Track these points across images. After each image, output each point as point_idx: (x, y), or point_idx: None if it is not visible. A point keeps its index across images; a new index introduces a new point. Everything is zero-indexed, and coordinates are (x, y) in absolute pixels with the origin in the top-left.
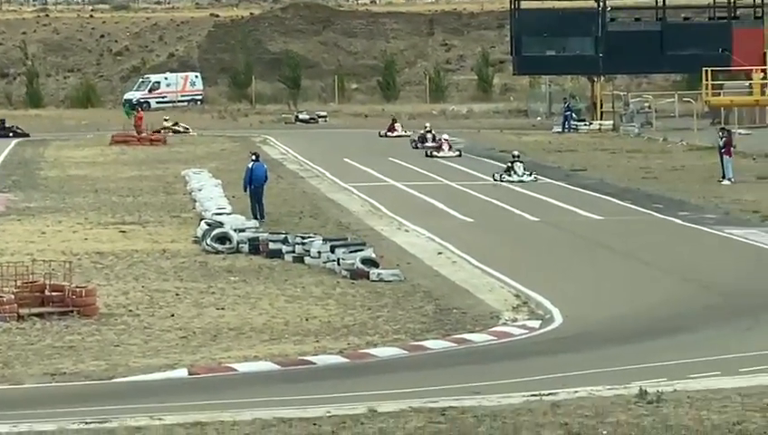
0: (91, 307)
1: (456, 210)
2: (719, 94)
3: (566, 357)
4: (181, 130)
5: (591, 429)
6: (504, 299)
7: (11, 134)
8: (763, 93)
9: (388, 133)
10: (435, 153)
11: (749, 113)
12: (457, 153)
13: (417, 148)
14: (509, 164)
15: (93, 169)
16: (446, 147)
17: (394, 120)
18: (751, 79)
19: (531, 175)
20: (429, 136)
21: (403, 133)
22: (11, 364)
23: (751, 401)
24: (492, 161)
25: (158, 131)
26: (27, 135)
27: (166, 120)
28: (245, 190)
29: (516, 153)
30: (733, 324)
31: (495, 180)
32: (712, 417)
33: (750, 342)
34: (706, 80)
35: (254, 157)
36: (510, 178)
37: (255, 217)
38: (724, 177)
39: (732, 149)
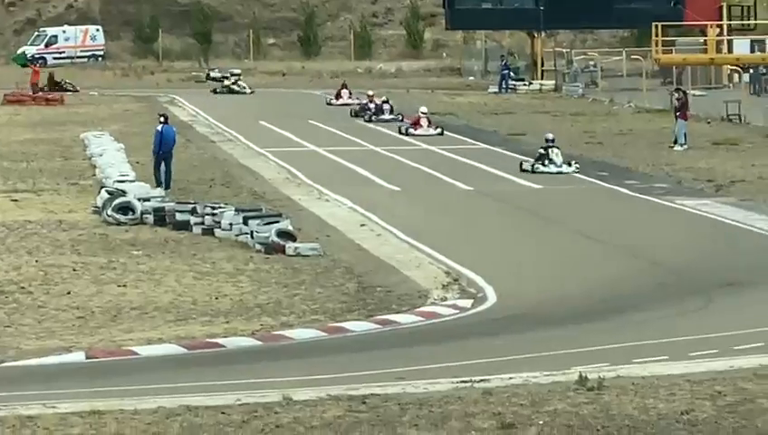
0: None
1: (381, 178)
2: (671, 52)
3: (500, 340)
4: (70, 89)
5: (526, 418)
6: (433, 276)
7: None
8: (718, 51)
9: (333, 101)
10: (412, 131)
11: (703, 73)
12: (439, 131)
13: (356, 117)
14: (542, 150)
15: None
16: (424, 123)
17: (344, 85)
18: (705, 35)
19: (571, 165)
20: (372, 106)
21: (350, 101)
22: None
23: (701, 388)
24: None
25: (42, 89)
26: None
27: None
28: (155, 155)
29: (551, 136)
30: (683, 305)
31: (524, 170)
32: (658, 405)
33: (701, 323)
34: (657, 36)
35: (162, 119)
36: (545, 169)
37: (159, 185)
38: (676, 142)
39: (687, 112)
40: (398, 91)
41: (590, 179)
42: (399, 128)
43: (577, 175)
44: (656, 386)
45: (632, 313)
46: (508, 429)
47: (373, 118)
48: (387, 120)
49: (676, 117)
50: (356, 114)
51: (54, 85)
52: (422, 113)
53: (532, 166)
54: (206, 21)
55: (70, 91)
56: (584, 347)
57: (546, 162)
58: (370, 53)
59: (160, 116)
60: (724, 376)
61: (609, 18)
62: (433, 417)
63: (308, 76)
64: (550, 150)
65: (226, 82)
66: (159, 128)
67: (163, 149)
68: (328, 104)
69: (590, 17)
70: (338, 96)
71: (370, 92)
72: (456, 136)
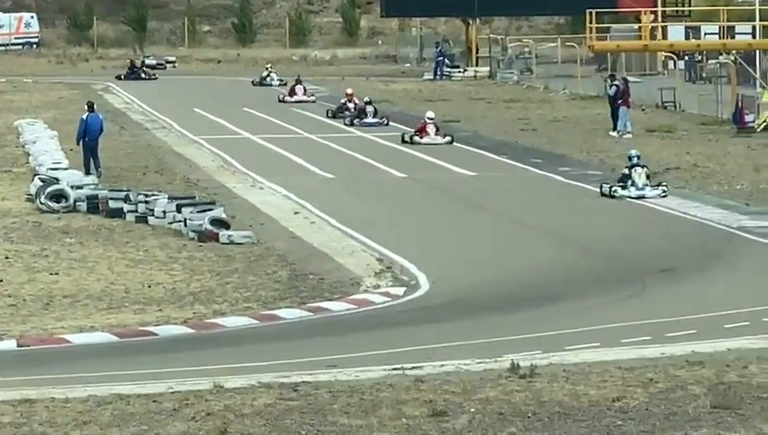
0: None
1: (315, 165)
2: (605, 39)
3: (432, 327)
4: None
5: (458, 406)
6: (365, 264)
7: None
8: (653, 38)
9: (287, 98)
10: (418, 139)
11: (638, 60)
12: (448, 139)
13: (333, 118)
14: (626, 171)
15: None
16: (431, 129)
17: (298, 81)
18: (640, 22)
19: (658, 187)
20: (352, 106)
21: (306, 98)
22: None
23: (632, 375)
24: None
25: None
26: None
27: None
28: (78, 143)
29: (635, 153)
30: (616, 292)
31: (604, 194)
32: (589, 392)
33: (633, 310)
34: (591, 23)
35: (87, 107)
36: (626, 193)
37: (88, 173)
38: (614, 129)
39: (629, 99)
40: (333, 79)
41: (524, 166)
42: (403, 135)
43: (508, 161)
44: (587, 373)
45: (565, 300)
46: (439, 416)
47: (355, 121)
48: (371, 124)
49: (617, 104)
50: (333, 115)
51: None
52: (428, 119)
53: (612, 189)
54: (141, 8)
55: None
56: (517, 334)
57: (628, 184)
58: (306, 41)
59: (87, 103)
60: (655, 363)
61: (544, 5)
62: (364, 404)
63: (243, 64)
64: (634, 170)
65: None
66: (84, 116)
67: (89, 137)
68: (281, 101)
69: (525, 4)
70: (292, 93)
71: (349, 90)
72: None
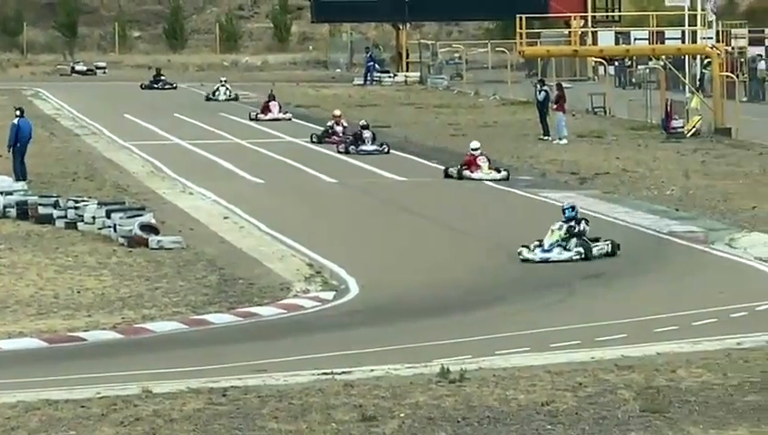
0: None
1: (245, 171)
2: (535, 44)
3: (362, 332)
4: None
5: (387, 411)
6: (295, 268)
7: None
8: (582, 43)
9: (261, 115)
10: (468, 174)
11: (568, 65)
12: (504, 175)
13: (319, 143)
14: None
15: None
16: (482, 162)
17: (272, 96)
18: (570, 27)
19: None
20: (340, 129)
21: (282, 116)
22: None
23: (561, 379)
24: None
25: None
26: None
27: None
28: (9, 150)
29: (568, 205)
30: (546, 296)
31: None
32: (519, 397)
33: (562, 315)
34: (521, 28)
35: (18, 112)
36: (529, 256)
37: (18, 179)
38: (544, 134)
39: (564, 104)
40: (264, 84)
41: None
42: (446, 170)
43: (439, 166)
44: (517, 378)
45: (495, 304)
46: (369, 421)
47: (351, 149)
48: (370, 152)
49: (547, 110)
50: (319, 140)
51: None
52: (473, 150)
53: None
54: (72, 14)
55: None
56: (446, 339)
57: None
58: (237, 46)
59: (16, 109)
60: (585, 367)
61: (474, 10)
62: (293, 409)
63: (174, 69)
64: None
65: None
66: (15, 121)
67: (20, 142)
68: (253, 119)
69: (455, 9)
70: (265, 110)
71: (337, 112)
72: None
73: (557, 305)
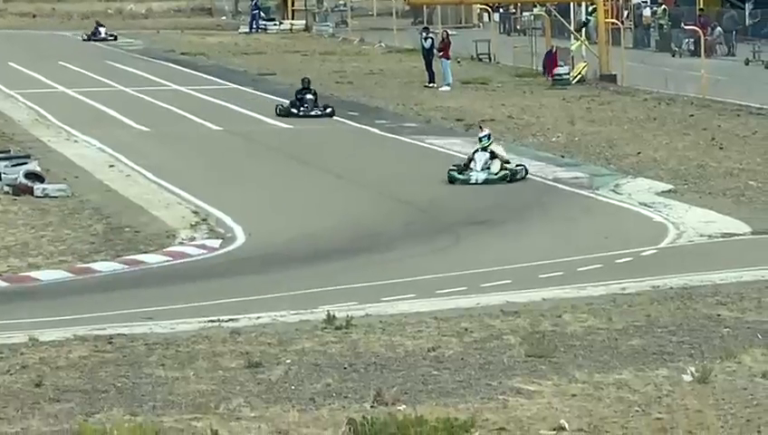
0: None
1: (131, 119)
2: None
3: (248, 279)
4: None
5: (274, 357)
6: (181, 216)
7: None
8: None
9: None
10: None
11: (454, 12)
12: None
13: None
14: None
15: None
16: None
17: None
18: None
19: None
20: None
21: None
22: None
23: (447, 325)
24: (172, 65)
25: None
26: None
27: None
28: None
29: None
30: (432, 243)
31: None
32: (405, 343)
33: (448, 261)
34: None
35: None
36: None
37: None
38: (430, 81)
39: (449, 51)
40: (148, 32)
41: (341, 119)
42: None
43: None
44: (403, 324)
45: (381, 251)
46: (255, 367)
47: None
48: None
49: (433, 57)
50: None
51: None
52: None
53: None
54: None
55: None
56: (333, 286)
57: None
58: None
59: None
60: (471, 313)
61: None
62: (180, 356)
63: (58, 18)
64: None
65: None
66: None
67: None
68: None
69: None
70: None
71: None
72: (205, 76)
73: (443, 252)
